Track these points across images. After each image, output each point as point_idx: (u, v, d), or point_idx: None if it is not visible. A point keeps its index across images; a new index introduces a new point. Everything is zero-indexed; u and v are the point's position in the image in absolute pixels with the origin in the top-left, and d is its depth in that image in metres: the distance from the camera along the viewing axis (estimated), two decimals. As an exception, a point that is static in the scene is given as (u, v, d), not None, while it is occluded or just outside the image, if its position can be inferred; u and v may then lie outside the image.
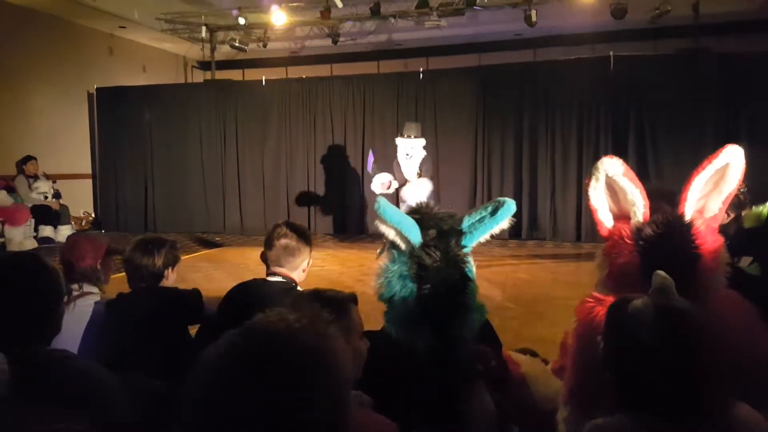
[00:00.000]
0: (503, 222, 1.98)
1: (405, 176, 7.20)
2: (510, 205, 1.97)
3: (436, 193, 7.39)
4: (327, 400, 0.89)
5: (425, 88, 10.14)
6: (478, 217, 1.99)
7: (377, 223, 1.96)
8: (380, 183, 7.26)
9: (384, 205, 1.93)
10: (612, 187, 1.91)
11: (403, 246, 1.96)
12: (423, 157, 7.09)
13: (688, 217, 1.84)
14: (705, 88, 8.60)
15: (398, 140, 7.25)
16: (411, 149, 7.02)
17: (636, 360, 1.32)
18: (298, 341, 0.91)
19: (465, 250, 1.98)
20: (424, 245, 1.93)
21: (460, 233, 1.98)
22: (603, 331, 1.45)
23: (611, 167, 1.86)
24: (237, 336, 0.92)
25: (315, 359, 0.90)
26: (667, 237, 1.78)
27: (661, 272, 1.42)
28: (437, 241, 1.94)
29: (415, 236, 1.93)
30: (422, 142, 7.19)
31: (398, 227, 1.93)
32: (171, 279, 2.64)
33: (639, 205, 1.86)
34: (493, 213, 1.97)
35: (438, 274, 1.90)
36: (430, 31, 11.19)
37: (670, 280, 1.40)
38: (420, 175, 7.09)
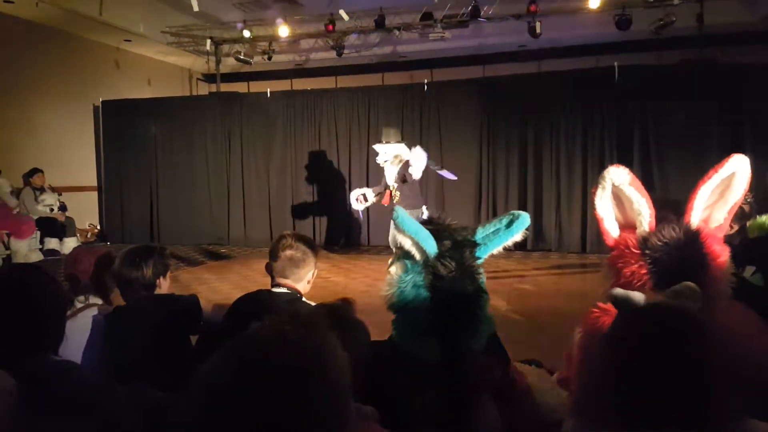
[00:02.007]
0: (517, 234, 2.00)
1: (387, 182, 7.09)
2: (525, 218, 2.00)
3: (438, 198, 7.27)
4: (324, 411, 0.88)
5: (430, 99, 10.18)
6: (492, 229, 2.02)
7: (394, 232, 1.98)
8: (355, 199, 7.27)
9: (402, 215, 1.95)
10: (618, 197, 1.91)
11: (418, 256, 1.97)
12: (407, 160, 6.96)
13: (694, 227, 1.84)
14: (710, 99, 8.60)
15: (376, 146, 7.17)
16: (385, 153, 6.97)
17: (640, 361, 1.30)
18: (294, 351, 0.91)
19: (478, 262, 2.00)
20: (440, 255, 1.94)
21: (475, 244, 2.00)
22: (609, 330, 1.43)
23: (618, 176, 1.85)
24: (233, 347, 0.92)
25: (311, 369, 0.90)
26: (673, 246, 1.78)
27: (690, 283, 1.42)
28: (452, 251, 1.95)
29: (431, 246, 1.95)
30: (401, 146, 7.05)
31: (415, 237, 1.94)
32: (164, 287, 2.63)
33: (645, 215, 1.85)
34: (509, 225, 1.99)
35: (453, 284, 1.91)
36: (434, 43, 11.25)
37: (696, 290, 1.39)
38: (404, 179, 6.91)
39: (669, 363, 1.26)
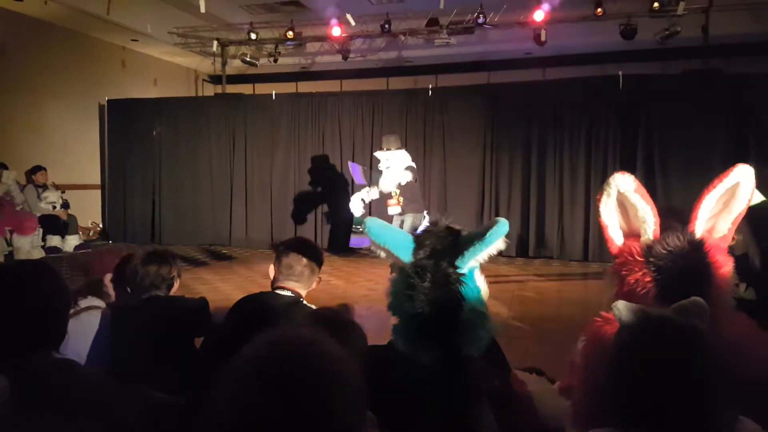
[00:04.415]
0: (496, 243, 1.88)
1: (383, 188, 7.17)
2: (501, 226, 1.88)
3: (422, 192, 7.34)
4: (348, 413, 0.90)
5: (434, 105, 10.17)
6: (470, 238, 1.95)
7: (369, 243, 1.96)
8: (357, 204, 7.34)
9: (370, 226, 1.91)
10: (623, 204, 1.90)
11: (398, 263, 1.95)
12: (405, 167, 7.04)
13: (698, 236, 1.83)
14: (714, 109, 8.59)
15: (377, 154, 7.28)
16: (386, 161, 7.05)
17: (640, 373, 1.30)
18: (321, 354, 0.92)
19: (459, 271, 1.93)
20: (414, 265, 1.91)
21: (454, 253, 1.94)
22: (613, 341, 1.43)
23: (623, 183, 1.84)
24: (260, 349, 0.92)
25: (337, 371, 0.91)
26: (678, 255, 1.77)
27: (698, 298, 1.42)
28: (427, 261, 1.89)
29: (405, 255, 1.91)
30: (401, 153, 7.14)
31: (386, 246, 1.91)
32: (176, 286, 2.71)
33: (650, 223, 1.84)
34: (483, 234, 1.88)
35: (426, 294, 1.88)
36: (439, 49, 11.25)
37: (704, 307, 1.40)
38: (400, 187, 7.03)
39: (671, 381, 1.27)
